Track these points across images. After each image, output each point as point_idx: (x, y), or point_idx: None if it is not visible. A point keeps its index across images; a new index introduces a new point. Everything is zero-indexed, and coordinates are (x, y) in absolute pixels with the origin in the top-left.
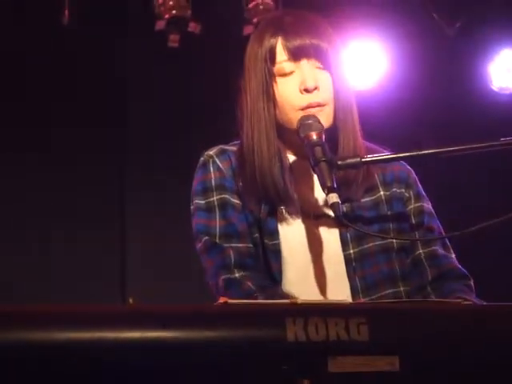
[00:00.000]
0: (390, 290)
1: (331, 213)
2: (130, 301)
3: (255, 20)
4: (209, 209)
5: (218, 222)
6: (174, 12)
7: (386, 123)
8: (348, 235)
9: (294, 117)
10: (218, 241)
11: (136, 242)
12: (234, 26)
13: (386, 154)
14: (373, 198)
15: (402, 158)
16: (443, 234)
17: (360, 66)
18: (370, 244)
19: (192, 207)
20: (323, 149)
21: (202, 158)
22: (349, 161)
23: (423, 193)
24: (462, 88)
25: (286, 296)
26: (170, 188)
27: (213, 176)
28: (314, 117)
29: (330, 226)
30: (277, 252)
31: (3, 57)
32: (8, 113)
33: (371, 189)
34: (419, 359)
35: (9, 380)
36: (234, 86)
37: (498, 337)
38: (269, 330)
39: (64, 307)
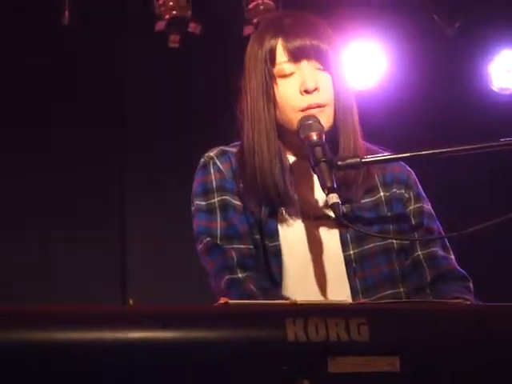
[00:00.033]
0: (389, 291)
1: (331, 214)
2: (131, 302)
3: (255, 20)
4: (210, 210)
5: (219, 224)
6: (174, 12)
7: (386, 123)
8: (348, 236)
9: (294, 118)
10: (219, 242)
11: (136, 242)
12: (234, 26)
13: (385, 155)
14: (373, 198)
15: (401, 159)
16: (443, 234)
17: (360, 66)
18: (371, 245)
19: (193, 208)
20: (323, 149)
21: (202, 160)
22: (349, 161)
23: (423, 194)
24: (461, 88)
25: (287, 299)
26: (170, 188)
27: (213, 177)
28: (314, 117)
29: (330, 226)
30: (277, 253)
31: (3, 57)
32: (8, 113)
33: (371, 190)
34: (420, 360)
35: (9, 380)
36: (234, 86)
37: (499, 337)
38: (269, 331)
39: (64, 307)
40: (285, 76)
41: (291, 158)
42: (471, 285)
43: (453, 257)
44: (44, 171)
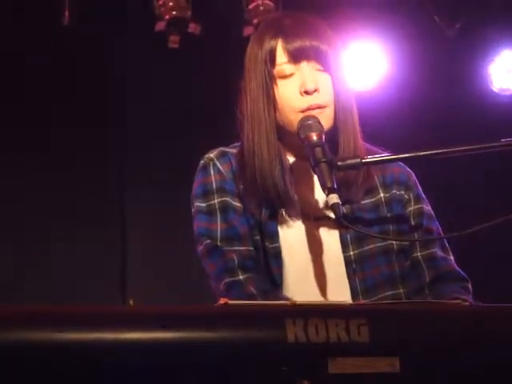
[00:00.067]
0: (389, 292)
1: (331, 214)
2: (131, 302)
3: (255, 21)
4: (210, 212)
5: (219, 225)
6: (174, 13)
7: (386, 124)
8: (348, 237)
9: (294, 119)
10: (219, 244)
11: (136, 242)
12: (233, 26)
13: (385, 155)
14: (373, 199)
15: (401, 159)
16: (442, 235)
17: (360, 67)
18: (371, 246)
19: (193, 210)
20: (323, 149)
21: (202, 161)
22: (349, 161)
23: (423, 195)
24: (462, 89)
25: (288, 299)
26: (170, 188)
27: (213, 179)
28: (314, 117)
29: (330, 227)
30: (277, 254)
31: (3, 57)
32: (8, 113)
33: (371, 190)
34: (419, 360)
35: (9, 380)
36: (234, 86)
37: (498, 338)
38: (269, 331)
39: (64, 308)
40: (285, 77)
41: (291, 159)
42: (470, 285)
43: (452, 257)
44: (44, 171)
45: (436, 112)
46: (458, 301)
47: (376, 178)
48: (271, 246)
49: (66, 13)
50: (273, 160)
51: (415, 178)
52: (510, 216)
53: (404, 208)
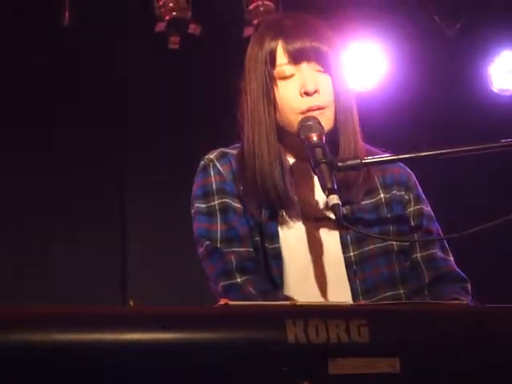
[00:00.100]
0: (389, 293)
1: (332, 215)
2: (131, 303)
3: (255, 22)
4: (210, 213)
5: (219, 227)
6: (174, 14)
7: (386, 124)
8: (348, 238)
9: (294, 120)
10: (219, 245)
11: (136, 242)
12: (234, 27)
13: (386, 156)
14: (373, 200)
15: (402, 160)
16: (442, 236)
17: (360, 67)
18: (371, 246)
19: (193, 211)
20: (323, 150)
21: (202, 162)
22: (349, 162)
23: (423, 196)
24: (462, 89)
25: (288, 300)
26: (170, 188)
27: (213, 180)
28: (314, 118)
29: (330, 228)
30: (277, 255)
31: (3, 57)
32: (8, 113)
33: (371, 191)
34: (420, 361)
35: (9, 381)
36: (234, 87)
37: (498, 338)
38: (269, 332)
39: (64, 309)
40: (285, 78)
41: (291, 160)
42: (469, 286)
43: (452, 258)
44: (44, 171)
45: (436, 112)
46: (457, 302)
47: (376, 178)
48: (271, 246)
49: (67, 13)
50: (273, 161)
51: (415, 178)
52: (509, 216)
53: (404, 209)
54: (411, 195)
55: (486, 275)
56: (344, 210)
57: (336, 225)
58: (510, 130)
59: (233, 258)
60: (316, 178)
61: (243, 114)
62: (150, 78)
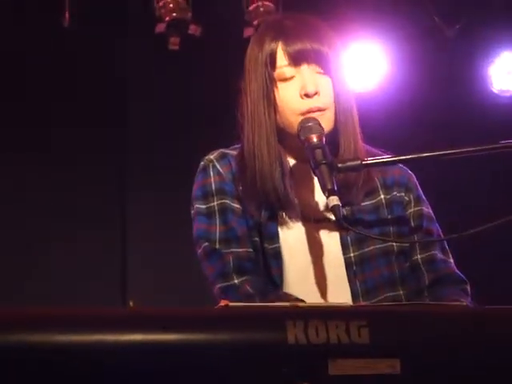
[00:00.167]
0: (389, 294)
1: (332, 216)
2: (131, 304)
3: (255, 22)
4: (209, 214)
5: (218, 227)
6: (174, 14)
7: (386, 125)
8: (348, 239)
9: (294, 121)
10: (217, 246)
11: (136, 243)
12: (234, 28)
13: (386, 157)
14: (373, 201)
15: (402, 161)
16: (442, 237)
17: (360, 68)
18: (371, 247)
19: (192, 212)
20: (324, 151)
21: (202, 163)
22: (349, 163)
23: (423, 197)
24: (462, 90)
25: (289, 297)
26: (170, 188)
27: (213, 180)
28: (314, 119)
29: (330, 229)
30: (277, 256)
31: (3, 57)
32: (8, 113)
33: (372, 192)
34: (420, 362)
35: (10, 383)
36: (234, 87)
37: (498, 339)
38: (269, 333)
39: (65, 310)
40: (285, 79)
41: (291, 161)
42: (469, 288)
43: (452, 260)
44: (44, 171)
45: (436, 113)
46: (457, 303)
47: (376, 179)
48: (270, 246)
49: (67, 14)
50: (273, 162)
51: (416, 179)
52: (510, 217)
53: (404, 210)
54: (411, 196)
55: (485, 276)
56: (344, 211)
57: (336, 226)
58: (510, 130)
59: (231, 258)
60: (316, 179)
61: (243, 115)
62: (150, 78)
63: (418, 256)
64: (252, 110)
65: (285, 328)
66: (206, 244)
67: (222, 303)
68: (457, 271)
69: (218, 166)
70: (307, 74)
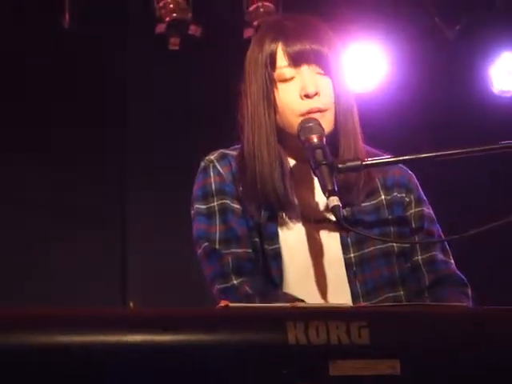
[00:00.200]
0: (390, 294)
1: (332, 217)
2: (131, 305)
3: (255, 23)
4: (209, 214)
5: (217, 228)
6: (174, 15)
7: (387, 126)
8: (349, 239)
9: (294, 122)
10: (217, 247)
11: (136, 242)
12: (234, 28)
13: (386, 157)
14: (373, 202)
15: (402, 161)
16: (443, 238)
17: (360, 68)
18: (371, 248)
19: (192, 212)
20: (324, 152)
21: (202, 163)
22: (349, 164)
23: (424, 197)
24: (462, 91)
25: (288, 296)
26: (170, 188)
27: (213, 181)
28: (314, 120)
29: (330, 230)
30: (276, 256)
31: (3, 57)
32: (8, 113)
33: (372, 193)
34: (420, 363)
35: (10, 383)
36: (234, 87)
37: (498, 340)
38: (269, 334)
39: (65, 310)
40: (285, 80)
41: (291, 162)
42: (469, 291)
43: (452, 261)
44: (44, 171)
45: (436, 113)
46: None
47: (377, 180)
48: (270, 247)
49: (67, 15)
50: (273, 163)
51: (416, 180)
52: (510, 218)
53: (405, 211)
54: (412, 197)
55: (485, 276)
56: (344, 212)
57: (336, 226)
58: (510, 131)
59: (230, 259)
60: (316, 180)
61: (243, 115)
62: (150, 78)
63: (419, 257)
64: (252, 110)
65: (285, 329)
66: (206, 244)
67: (223, 304)
68: (457, 272)
69: (219, 167)
70: (307, 75)
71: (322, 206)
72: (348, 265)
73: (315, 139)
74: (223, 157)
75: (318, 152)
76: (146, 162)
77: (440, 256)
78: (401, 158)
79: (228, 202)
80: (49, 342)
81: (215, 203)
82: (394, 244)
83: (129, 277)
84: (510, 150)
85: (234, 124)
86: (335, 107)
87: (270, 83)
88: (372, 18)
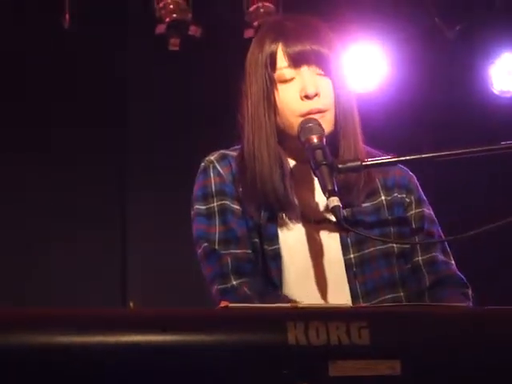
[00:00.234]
0: (389, 295)
1: (332, 217)
2: (131, 305)
3: (256, 23)
4: (209, 215)
5: (217, 228)
6: (174, 15)
7: (387, 126)
8: (348, 240)
9: (294, 122)
10: (216, 247)
11: (136, 242)
12: (234, 29)
13: (386, 158)
14: (374, 202)
15: (402, 162)
16: (443, 239)
17: (360, 68)
18: (371, 249)
19: (192, 212)
20: (324, 152)
21: (202, 164)
22: (349, 164)
23: (424, 198)
24: (462, 91)
25: (287, 299)
26: (170, 188)
27: (213, 181)
28: (314, 120)
29: (330, 230)
30: (276, 257)
31: (3, 57)
32: (8, 113)
33: (372, 193)
34: (420, 363)
35: (10, 383)
36: (234, 88)
37: (498, 340)
38: (269, 334)
39: (65, 310)
40: (285, 81)
41: (292, 162)
42: (470, 292)
43: (453, 262)
44: (44, 171)
45: (436, 114)
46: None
47: (377, 180)
48: (270, 248)
49: (67, 16)
50: (273, 164)
51: (417, 181)
52: (510, 218)
53: (405, 211)
54: (412, 198)
55: (485, 277)
56: (344, 212)
57: (336, 227)
58: (510, 131)
59: (229, 260)
60: (316, 180)
61: (244, 116)
62: (150, 78)
63: (419, 257)
64: (252, 111)
65: (285, 329)
66: (206, 245)
67: (223, 304)
68: (458, 273)
69: (219, 167)
70: (307, 76)
71: (322, 207)
72: (348, 265)
73: (315, 140)
74: (223, 157)
75: (318, 152)
76: (146, 162)
77: (440, 257)
78: (401, 159)
79: (228, 202)
80: (49, 342)
81: (215, 204)
82: (394, 245)
83: (129, 277)
84: (511, 151)
85: (234, 124)
86: (335, 108)
87: (270, 84)
88: (372, 18)
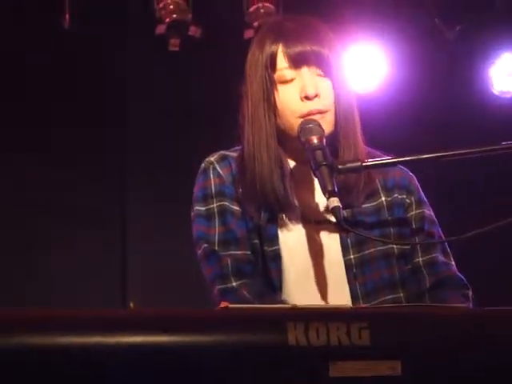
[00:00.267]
0: (390, 296)
1: (332, 218)
2: (131, 305)
3: (256, 24)
4: (208, 216)
5: (217, 229)
6: (174, 16)
7: (387, 126)
8: (348, 240)
9: (294, 123)
10: (216, 248)
11: (136, 242)
12: (234, 29)
13: (386, 158)
14: (374, 203)
15: (402, 162)
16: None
17: (360, 69)
18: (371, 249)
19: (192, 213)
20: (324, 153)
21: (202, 165)
22: (349, 165)
23: (425, 199)
24: (462, 91)
25: (285, 303)
26: (170, 188)
27: (213, 182)
28: (314, 121)
29: (330, 231)
30: (276, 258)
31: (3, 57)
32: (8, 113)
33: (372, 194)
34: (421, 364)
35: None
36: (234, 88)
37: (499, 341)
38: (270, 335)
39: (65, 311)
40: (285, 82)
41: (292, 163)
42: (470, 293)
43: (453, 263)
44: (44, 171)
45: (436, 114)
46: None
47: (377, 181)
48: (270, 249)
49: (67, 16)
50: (273, 165)
51: (417, 181)
52: (510, 219)
53: (405, 212)
54: (413, 199)
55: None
56: (344, 213)
57: (336, 228)
58: (510, 131)
59: (229, 261)
60: (316, 181)
61: (244, 117)
62: (150, 78)
63: (420, 258)
64: (252, 112)
65: (285, 330)
66: (206, 245)
67: (223, 305)
68: (458, 274)
69: (219, 168)
70: (307, 77)
71: (322, 207)
72: (348, 266)
73: (315, 140)
74: (223, 158)
75: (318, 153)
76: (146, 162)
77: (441, 258)
78: (401, 159)
79: (227, 203)
80: (49, 342)
81: (214, 205)
82: (394, 246)
83: (129, 277)
84: (511, 151)
85: (234, 124)
86: (335, 108)
87: (271, 85)
88: (372, 18)
